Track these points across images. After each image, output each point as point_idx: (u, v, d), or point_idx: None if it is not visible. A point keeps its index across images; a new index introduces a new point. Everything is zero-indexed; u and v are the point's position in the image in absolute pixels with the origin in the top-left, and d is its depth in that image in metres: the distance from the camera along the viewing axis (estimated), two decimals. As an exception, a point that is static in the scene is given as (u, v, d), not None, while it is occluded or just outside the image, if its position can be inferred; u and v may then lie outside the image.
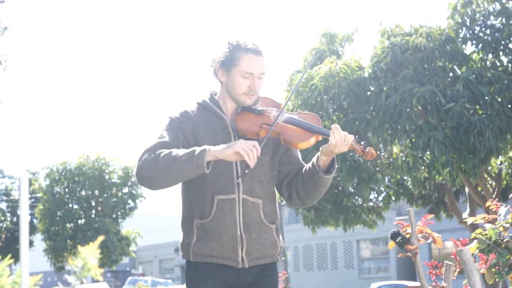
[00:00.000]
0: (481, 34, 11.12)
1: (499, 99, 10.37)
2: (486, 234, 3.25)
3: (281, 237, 3.12)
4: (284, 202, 3.30)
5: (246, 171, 2.84)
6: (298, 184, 3.04)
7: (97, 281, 32.53)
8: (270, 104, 3.09)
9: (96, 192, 29.73)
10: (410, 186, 12.62)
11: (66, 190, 29.95)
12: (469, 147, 10.13)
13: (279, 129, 2.95)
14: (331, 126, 2.91)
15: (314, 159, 3.00)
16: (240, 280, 2.97)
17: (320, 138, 2.97)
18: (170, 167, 2.78)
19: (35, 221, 32.17)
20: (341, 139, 2.86)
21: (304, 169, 3.07)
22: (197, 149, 2.77)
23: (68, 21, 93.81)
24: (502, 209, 3.30)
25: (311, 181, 2.99)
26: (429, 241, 3.13)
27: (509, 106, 10.53)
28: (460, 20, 11.22)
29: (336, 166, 3.04)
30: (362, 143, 2.95)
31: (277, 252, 3.07)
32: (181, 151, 2.79)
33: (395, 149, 11.90)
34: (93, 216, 29.86)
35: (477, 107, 10.43)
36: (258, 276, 3.00)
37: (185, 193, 3.04)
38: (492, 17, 11.16)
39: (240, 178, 2.88)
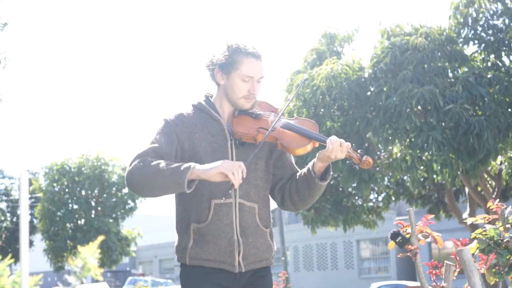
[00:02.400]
0: (483, 34, 11.11)
1: (499, 101, 10.36)
2: (486, 234, 3.25)
3: (274, 241, 3.13)
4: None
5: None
6: (292, 189, 3.04)
7: (97, 281, 32.56)
8: (267, 108, 3.08)
9: (96, 192, 29.74)
10: (409, 186, 12.63)
11: (66, 190, 29.97)
12: (468, 148, 10.13)
13: (276, 134, 2.94)
14: (327, 138, 2.91)
15: (309, 165, 3.00)
16: (235, 282, 2.97)
17: (317, 144, 2.97)
18: (155, 179, 2.77)
19: (35, 221, 32.18)
20: (337, 146, 2.86)
21: (298, 174, 3.07)
22: (182, 166, 2.75)
23: (68, 19, 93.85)
24: (508, 210, 3.29)
25: (305, 186, 2.99)
26: (429, 239, 3.13)
27: (509, 108, 10.53)
28: (462, 20, 11.21)
29: (331, 173, 3.04)
30: (359, 151, 2.96)
31: (272, 256, 3.08)
32: (169, 164, 2.77)
33: (395, 149, 11.90)
34: (93, 216, 29.87)
35: (476, 108, 10.43)
36: (252, 278, 3.01)
37: (179, 196, 3.01)
38: (494, 17, 11.15)
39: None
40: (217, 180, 2.75)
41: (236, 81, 2.97)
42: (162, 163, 2.77)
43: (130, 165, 2.85)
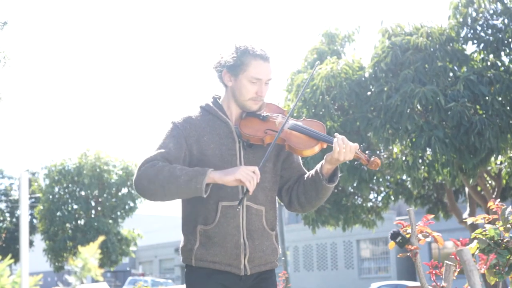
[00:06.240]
0: (482, 34, 11.12)
1: (500, 99, 10.37)
2: (486, 234, 3.25)
3: (279, 243, 3.13)
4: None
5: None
6: (299, 191, 3.04)
7: (97, 281, 32.58)
8: (274, 110, 3.08)
9: (96, 192, 29.74)
10: (410, 186, 12.62)
11: (66, 190, 29.98)
12: (470, 147, 10.13)
13: (284, 135, 2.94)
14: (335, 135, 2.91)
15: (317, 167, 2.99)
16: (240, 284, 2.98)
17: (325, 146, 2.96)
18: (168, 185, 2.77)
19: (34, 221, 32.21)
20: (346, 146, 2.86)
21: (306, 176, 3.06)
22: (198, 172, 2.76)
23: (69, 18, 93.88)
24: (508, 210, 3.30)
25: (313, 188, 2.99)
26: (429, 239, 3.13)
27: (510, 106, 10.53)
28: (461, 20, 11.22)
29: (339, 175, 3.04)
30: (367, 152, 2.96)
31: (277, 259, 3.09)
32: (183, 170, 2.78)
33: (395, 149, 11.90)
34: (92, 216, 29.89)
35: (478, 107, 10.44)
36: (257, 280, 3.01)
37: (187, 198, 3.00)
38: (494, 17, 11.15)
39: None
40: (232, 185, 2.80)
41: (244, 83, 2.97)
42: (176, 169, 2.78)
43: (139, 170, 2.84)
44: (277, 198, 3.14)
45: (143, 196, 2.88)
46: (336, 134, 2.94)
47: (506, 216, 3.28)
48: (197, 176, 2.75)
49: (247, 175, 2.74)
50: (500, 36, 10.80)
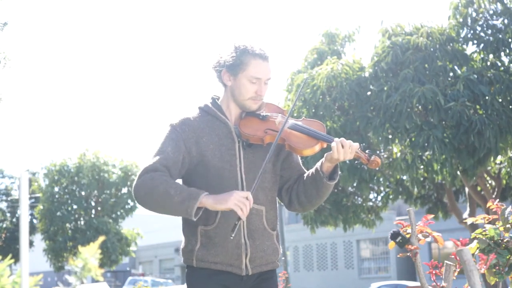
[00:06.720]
0: (482, 34, 11.13)
1: (500, 99, 10.37)
2: (486, 234, 3.25)
3: (280, 243, 3.13)
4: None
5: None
6: (299, 190, 3.04)
7: (97, 281, 32.59)
8: (274, 110, 3.08)
9: (95, 192, 29.76)
10: (409, 185, 12.62)
11: (66, 190, 29.99)
12: (469, 146, 10.14)
13: (284, 135, 2.94)
14: (335, 139, 2.91)
15: (317, 165, 3.00)
16: (241, 284, 2.98)
17: (325, 145, 2.97)
18: (162, 202, 2.80)
19: (34, 221, 32.22)
20: (344, 151, 2.87)
21: (306, 175, 3.06)
22: (191, 196, 2.77)
23: (69, 19, 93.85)
24: (508, 210, 3.30)
25: (313, 186, 2.99)
26: (429, 239, 3.14)
27: (510, 106, 10.54)
28: (461, 20, 11.22)
29: (339, 173, 3.04)
30: (367, 151, 2.96)
31: (278, 259, 3.09)
32: (178, 190, 2.79)
33: (395, 149, 11.90)
34: (92, 216, 29.90)
35: (478, 106, 10.44)
36: (258, 280, 3.01)
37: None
38: (494, 17, 11.15)
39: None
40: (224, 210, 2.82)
41: (244, 82, 2.96)
42: (171, 188, 2.79)
43: (139, 178, 2.86)
44: (277, 198, 3.14)
45: (141, 206, 2.92)
46: (335, 139, 2.94)
47: (506, 216, 3.28)
48: (190, 199, 2.77)
49: (239, 203, 2.74)
50: (500, 36, 10.80)
